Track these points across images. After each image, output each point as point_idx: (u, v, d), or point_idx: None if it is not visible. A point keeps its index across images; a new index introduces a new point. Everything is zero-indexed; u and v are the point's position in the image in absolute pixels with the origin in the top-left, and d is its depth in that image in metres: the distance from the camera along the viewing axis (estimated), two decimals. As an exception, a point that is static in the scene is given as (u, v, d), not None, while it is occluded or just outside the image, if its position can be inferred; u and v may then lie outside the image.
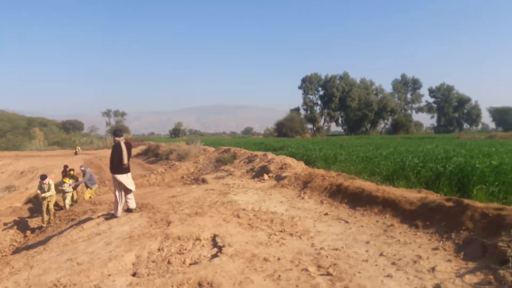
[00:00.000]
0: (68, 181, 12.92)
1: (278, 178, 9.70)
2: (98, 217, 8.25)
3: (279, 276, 3.90)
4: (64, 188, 12.67)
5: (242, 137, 69.92)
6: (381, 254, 4.39)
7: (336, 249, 4.64)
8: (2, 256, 9.31)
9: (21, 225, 11.87)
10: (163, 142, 30.08)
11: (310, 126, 77.20)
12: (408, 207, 5.82)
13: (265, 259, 4.40)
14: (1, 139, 46.24)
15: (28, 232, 10.97)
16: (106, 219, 7.83)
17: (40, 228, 10.98)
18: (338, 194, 7.60)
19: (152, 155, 26.13)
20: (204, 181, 12.31)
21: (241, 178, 11.27)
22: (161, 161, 22.26)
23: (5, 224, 11.90)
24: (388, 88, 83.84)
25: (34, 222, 11.95)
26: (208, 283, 3.99)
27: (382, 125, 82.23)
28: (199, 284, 4.05)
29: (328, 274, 3.89)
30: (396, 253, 4.39)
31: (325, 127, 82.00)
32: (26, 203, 14.78)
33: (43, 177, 12.12)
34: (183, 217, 6.86)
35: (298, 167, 10.45)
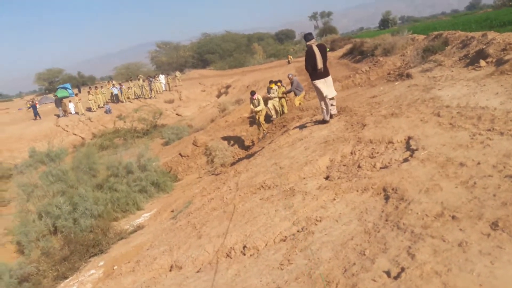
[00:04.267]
0: (275, 87, 14.30)
1: (499, 63, 7.96)
2: (304, 123, 8.95)
3: (474, 183, 3.44)
4: (270, 95, 14.10)
5: (464, 15, 58.66)
6: None
7: None
8: (238, 159, 11.57)
9: (248, 134, 14.17)
10: (368, 38, 28.58)
11: None
12: None
13: (461, 164, 3.93)
14: (229, 58, 53.66)
15: (255, 140, 13.03)
16: (315, 124, 8.24)
17: (262, 137, 12.83)
18: None
19: (358, 53, 25.39)
20: (408, 76, 11.32)
21: (451, 68, 9.80)
22: (366, 58, 21.48)
23: (236, 135, 14.47)
24: None
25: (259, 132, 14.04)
26: (392, 189, 3.95)
27: None
28: (384, 190, 4.06)
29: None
30: None
31: None
32: (251, 113, 17.33)
33: (253, 93, 13.60)
34: (378, 119, 6.69)
35: (530, 45, 8.24)
